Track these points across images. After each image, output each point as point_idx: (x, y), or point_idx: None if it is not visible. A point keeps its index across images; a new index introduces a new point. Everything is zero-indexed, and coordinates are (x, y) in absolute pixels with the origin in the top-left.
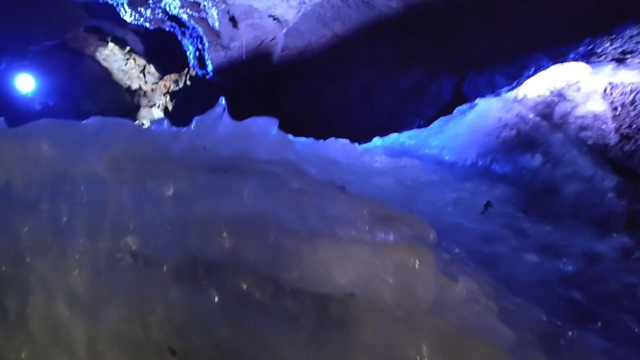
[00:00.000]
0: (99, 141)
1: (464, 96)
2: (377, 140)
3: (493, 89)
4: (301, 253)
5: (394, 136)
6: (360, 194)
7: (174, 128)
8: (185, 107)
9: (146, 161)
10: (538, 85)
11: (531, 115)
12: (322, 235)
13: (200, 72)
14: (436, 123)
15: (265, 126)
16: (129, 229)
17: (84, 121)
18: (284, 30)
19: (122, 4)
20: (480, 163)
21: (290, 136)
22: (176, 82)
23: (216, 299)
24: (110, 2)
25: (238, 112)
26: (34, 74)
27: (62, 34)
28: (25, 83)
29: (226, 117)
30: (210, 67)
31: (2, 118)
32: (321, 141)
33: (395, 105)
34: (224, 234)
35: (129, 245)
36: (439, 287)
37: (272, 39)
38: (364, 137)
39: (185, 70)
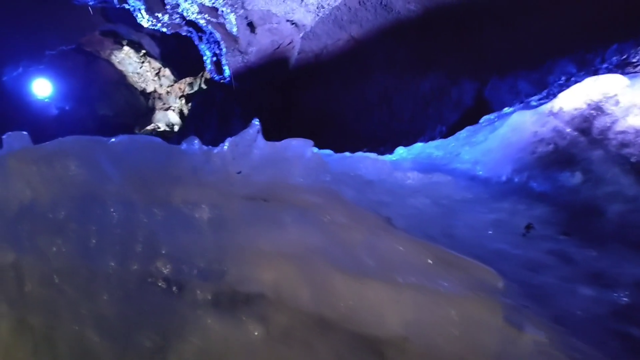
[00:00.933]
0: (129, 161)
1: (486, 101)
2: (401, 151)
3: (517, 95)
4: (351, 293)
5: (418, 146)
6: (409, 229)
7: (205, 148)
8: (203, 111)
9: (178, 184)
10: (574, 98)
11: (568, 130)
12: (374, 277)
13: (217, 77)
14: (463, 133)
15: (300, 149)
16: (161, 254)
17: (112, 139)
18: (301, 34)
19: (140, 10)
20: (516, 180)
21: (324, 152)
22: (191, 84)
23: (256, 333)
24: (127, 7)
25: (255, 115)
26: (50, 78)
27: (77, 38)
28: (41, 87)
29: (260, 140)
30: (227, 72)
31: (25, 133)
32: (351, 157)
33: (414, 110)
34: (266, 266)
35: (161, 270)
36: (504, 338)
37: (289, 43)
38: (384, 143)
39: (201, 74)
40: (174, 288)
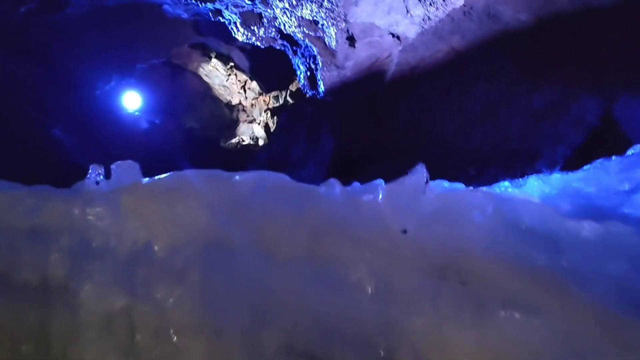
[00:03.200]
0: (258, 203)
1: (616, 122)
2: (536, 183)
3: None
4: None
5: (557, 178)
6: None
7: (349, 192)
8: (291, 126)
9: (323, 236)
10: None
11: None
12: None
13: (310, 92)
14: (613, 166)
15: (479, 201)
16: (305, 320)
17: (237, 176)
18: (400, 47)
19: (235, 23)
20: None
21: (455, 185)
22: (276, 98)
23: None
24: (222, 20)
25: (345, 129)
26: (140, 92)
27: (168, 51)
28: (132, 101)
29: (428, 189)
30: (321, 88)
31: (136, 163)
32: (508, 199)
33: (526, 126)
34: None
35: (309, 344)
36: None
37: (387, 57)
38: (493, 162)
39: (287, 87)
40: None
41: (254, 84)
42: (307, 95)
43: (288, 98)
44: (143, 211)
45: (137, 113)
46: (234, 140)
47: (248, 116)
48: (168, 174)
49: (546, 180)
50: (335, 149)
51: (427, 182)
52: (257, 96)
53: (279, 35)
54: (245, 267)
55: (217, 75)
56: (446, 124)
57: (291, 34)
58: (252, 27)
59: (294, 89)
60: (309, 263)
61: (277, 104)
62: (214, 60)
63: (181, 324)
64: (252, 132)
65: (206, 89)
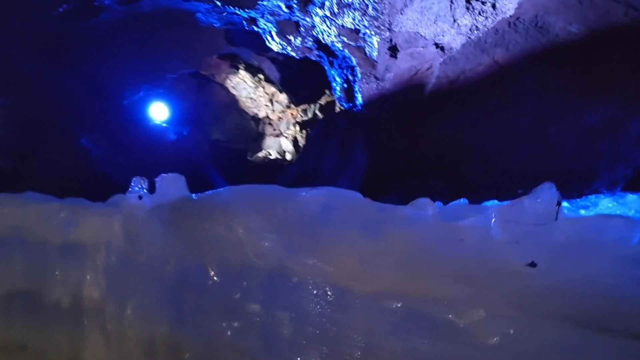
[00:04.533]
0: (330, 225)
1: None
2: (609, 204)
3: None
4: None
5: (633, 198)
6: None
7: (444, 211)
8: (323, 139)
9: (414, 268)
10: None
11: None
12: None
13: (346, 105)
14: None
15: (622, 229)
16: None
17: (304, 192)
18: (442, 59)
19: (270, 32)
20: None
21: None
22: (305, 111)
23: None
24: (256, 29)
25: (379, 144)
26: (167, 102)
27: (199, 62)
28: (160, 111)
29: (560, 213)
30: (359, 100)
31: (182, 176)
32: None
33: (579, 145)
34: None
35: None
36: None
37: (428, 69)
38: (543, 181)
39: (317, 100)
40: None
41: (281, 97)
42: (343, 108)
43: (317, 112)
44: (194, 230)
45: (164, 124)
46: (260, 154)
47: (275, 130)
48: (222, 189)
49: (621, 202)
50: (369, 164)
51: (559, 204)
52: (285, 109)
53: (316, 46)
54: (319, 302)
55: (244, 87)
56: (489, 140)
57: (329, 43)
58: (288, 37)
59: (323, 103)
60: (400, 301)
61: (306, 118)
62: (242, 72)
63: None
64: (280, 146)
65: (232, 101)
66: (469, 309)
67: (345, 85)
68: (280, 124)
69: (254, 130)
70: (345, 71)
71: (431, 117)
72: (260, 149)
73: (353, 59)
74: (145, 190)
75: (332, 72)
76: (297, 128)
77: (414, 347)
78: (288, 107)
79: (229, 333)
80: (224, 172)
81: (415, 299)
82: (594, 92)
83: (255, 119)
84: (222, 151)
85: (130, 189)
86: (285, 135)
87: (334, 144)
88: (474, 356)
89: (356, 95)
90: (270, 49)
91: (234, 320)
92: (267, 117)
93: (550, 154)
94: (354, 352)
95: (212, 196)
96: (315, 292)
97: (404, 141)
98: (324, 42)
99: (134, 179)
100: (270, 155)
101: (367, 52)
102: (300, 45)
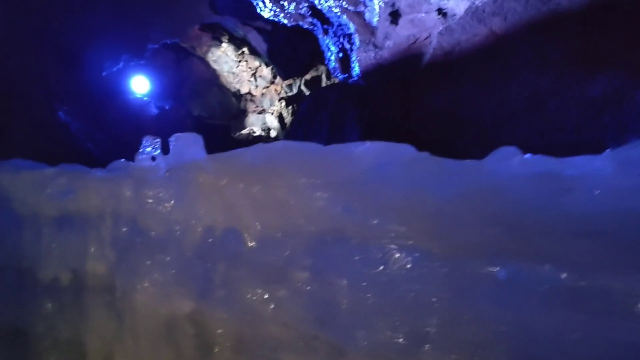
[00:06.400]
0: (391, 182)
1: None
2: None
3: None
4: None
5: None
6: None
7: (531, 159)
8: (312, 114)
9: (514, 226)
10: None
11: None
12: None
13: (341, 76)
14: None
15: None
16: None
17: (349, 147)
18: (440, 28)
19: None
20: None
21: None
22: (290, 86)
23: None
24: None
25: (372, 119)
26: (148, 75)
27: (182, 32)
28: (140, 84)
29: None
30: (356, 70)
31: (199, 136)
32: None
33: (581, 117)
34: None
35: None
36: None
37: (426, 38)
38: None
39: (303, 74)
40: None
41: (265, 72)
42: (337, 80)
43: (302, 87)
44: (224, 192)
45: (145, 98)
46: (244, 131)
47: (257, 106)
48: (253, 146)
49: None
50: (361, 139)
51: None
52: (269, 84)
53: (310, 12)
54: (381, 266)
55: (226, 60)
56: (485, 114)
57: (325, 9)
58: (282, 2)
59: (309, 78)
60: (499, 263)
61: (291, 93)
62: (225, 45)
63: (282, 338)
64: (264, 123)
65: (213, 76)
66: (598, 269)
67: (340, 54)
68: (263, 100)
69: (235, 106)
70: (341, 39)
71: (425, 90)
72: (244, 126)
73: (351, 25)
74: (158, 152)
75: (327, 41)
76: (283, 104)
77: (526, 320)
78: (272, 82)
79: (271, 305)
80: (213, 151)
81: (521, 260)
82: (596, 64)
83: (237, 95)
84: (205, 128)
85: (140, 151)
86: (270, 111)
87: (325, 119)
88: (617, 328)
89: (353, 65)
90: (257, 18)
91: (277, 290)
92: (250, 92)
93: (552, 127)
94: (438, 323)
95: (243, 155)
96: (380, 255)
97: (397, 115)
98: (319, 7)
99: (145, 138)
100: (255, 132)
101: (366, 17)
102: (294, 12)
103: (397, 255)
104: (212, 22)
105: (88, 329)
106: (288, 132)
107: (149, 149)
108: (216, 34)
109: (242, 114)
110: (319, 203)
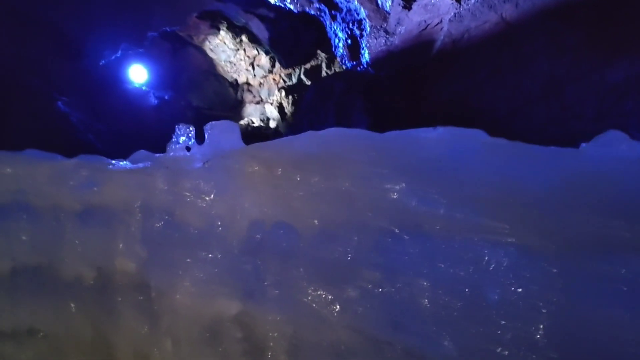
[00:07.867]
0: (474, 170)
1: None
2: None
3: None
4: None
5: None
6: None
7: None
8: (318, 104)
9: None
10: None
11: None
12: None
13: (349, 64)
14: None
15: None
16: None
17: (418, 133)
18: (452, 14)
19: None
20: None
21: None
22: (289, 76)
23: None
24: None
25: (380, 109)
26: (146, 64)
27: (183, 19)
28: (138, 73)
29: None
30: (366, 57)
31: (235, 124)
32: None
33: (601, 104)
34: None
35: None
36: None
37: (438, 24)
38: (563, 144)
39: (302, 64)
40: None
41: (263, 61)
42: (344, 68)
43: (302, 76)
44: (277, 183)
45: (144, 87)
46: (242, 122)
47: (255, 97)
48: (306, 133)
49: None
50: (369, 129)
51: None
52: (267, 74)
53: None
54: (471, 264)
55: (223, 49)
56: (498, 103)
57: None
58: None
59: (308, 67)
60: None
61: (290, 83)
62: (223, 33)
63: (350, 343)
64: (263, 113)
65: (210, 66)
66: None
67: (349, 41)
68: (261, 90)
69: (232, 97)
70: (350, 25)
71: (435, 78)
72: (242, 117)
73: (362, 10)
74: (193, 141)
75: (334, 27)
76: (283, 94)
77: None
78: (270, 71)
79: (337, 307)
80: None
81: None
82: (615, 49)
83: (234, 85)
84: (205, 119)
85: (173, 140)
86: (270, 101)
87: (331, 109)
88: None
89: (362, 52)
90: (260, 5)
91: (344, 290)
92: (247, 82)
93: (569, 115)
94: (547, 332)
95: (295, 142)
96: (469, 253)
97: (406, 105)
98: None
99: (178, 126)
100: (253, 123)
101: (379, 2)
102: None
103: (491, 252)
104: (213, 9)
105: (116, 330)
106: (291, 123)
107: (183, 138)
108: (215, 22)
109: (240, 104)
110: (389, 195)
